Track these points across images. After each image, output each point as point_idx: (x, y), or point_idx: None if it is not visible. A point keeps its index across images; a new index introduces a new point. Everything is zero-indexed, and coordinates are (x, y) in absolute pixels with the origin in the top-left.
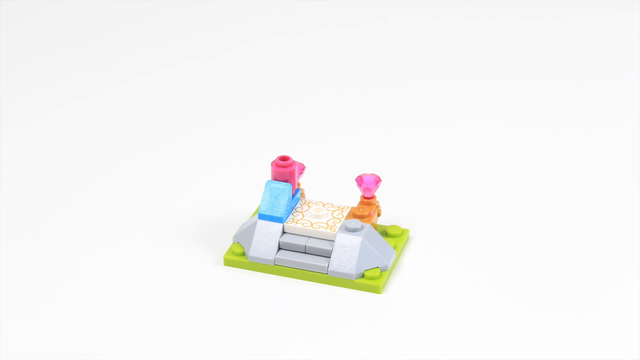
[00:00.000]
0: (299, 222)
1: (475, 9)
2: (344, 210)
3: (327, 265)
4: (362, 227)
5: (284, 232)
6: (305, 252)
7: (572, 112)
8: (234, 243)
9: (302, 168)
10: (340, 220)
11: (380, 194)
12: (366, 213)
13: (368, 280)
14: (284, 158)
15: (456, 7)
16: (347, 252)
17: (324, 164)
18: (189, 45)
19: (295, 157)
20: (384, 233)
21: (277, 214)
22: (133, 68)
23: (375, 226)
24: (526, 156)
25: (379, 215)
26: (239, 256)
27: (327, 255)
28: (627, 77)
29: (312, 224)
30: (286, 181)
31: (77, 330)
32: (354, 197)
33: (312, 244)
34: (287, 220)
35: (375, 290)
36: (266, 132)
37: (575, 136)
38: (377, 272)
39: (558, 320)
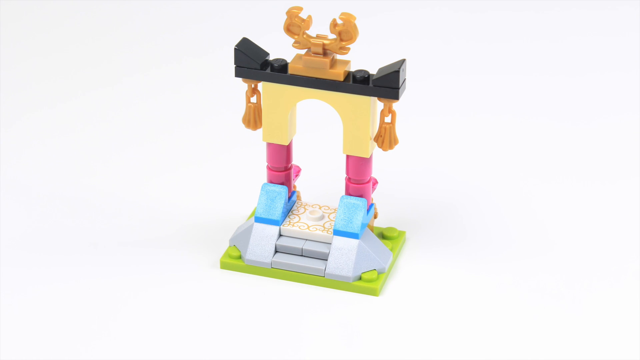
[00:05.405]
0: (295, 224)
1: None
2: None
3: (324, 268)
4: None
5: (280, 235)
6: (302, 255)
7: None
8: (230, 246)
9: (297, 170)
10: None
11: (376, 196)
12: None
13: (365, 282)
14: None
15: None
16: (344, 254)
17: (319, 166)
18: (187, 41)
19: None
20: (381, 235)
21: (274, 217)
22: (125, 65)
23: (372, 228)
24: (524, 154)
25: (375, 217)
26: (236, 259)
27: (324, 258)
28: None
29: (308, 227)
30: (282, 184)
31: (72, 332)
32: None
33: (308, 246)
34: (284, 223)
35: (373, 292)
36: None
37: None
38: (374, 275)
39: (559, 319)
